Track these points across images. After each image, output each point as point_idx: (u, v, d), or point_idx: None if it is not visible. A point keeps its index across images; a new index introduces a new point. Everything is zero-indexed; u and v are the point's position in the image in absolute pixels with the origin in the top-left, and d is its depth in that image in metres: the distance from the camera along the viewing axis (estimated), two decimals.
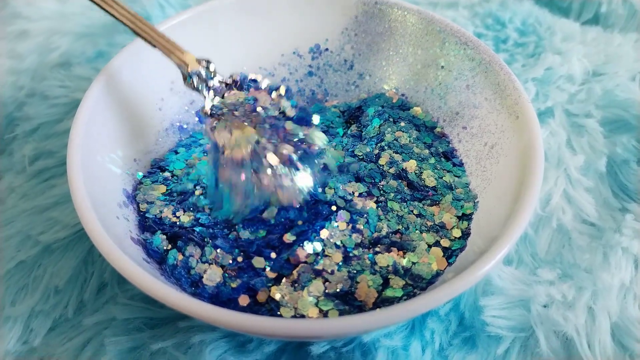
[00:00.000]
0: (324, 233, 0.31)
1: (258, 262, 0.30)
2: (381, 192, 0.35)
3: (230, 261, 0.30)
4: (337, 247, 0.31)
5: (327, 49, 0.43)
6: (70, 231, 0.36)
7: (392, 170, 0.36)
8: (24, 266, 0.35)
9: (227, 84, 0.34)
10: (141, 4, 0.53)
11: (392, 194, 0.35)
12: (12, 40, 0.51)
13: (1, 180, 0.40)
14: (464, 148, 0.38)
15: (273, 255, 0.30)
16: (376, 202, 0.34)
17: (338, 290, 0.29)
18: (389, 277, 0.30)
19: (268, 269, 0.30)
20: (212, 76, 0.33)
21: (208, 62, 0.33)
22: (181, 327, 0.33)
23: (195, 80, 0.33)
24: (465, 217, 0.34)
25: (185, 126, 0.40)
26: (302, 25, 0.42)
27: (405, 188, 0.35)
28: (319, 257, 0.30)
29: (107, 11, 0.33)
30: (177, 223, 0.32)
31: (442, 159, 0.37)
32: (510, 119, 0.34)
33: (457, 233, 0.33)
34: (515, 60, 0.49)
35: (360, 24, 0.42)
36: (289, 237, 0.31)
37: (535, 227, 0.38)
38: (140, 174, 0.35)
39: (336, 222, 0.31)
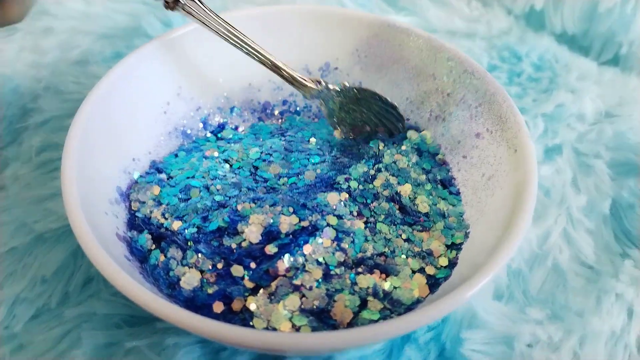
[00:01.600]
0: (307, 248, 0.31)
1: (237, 270, 0.30)
2: (372, 213, 0.35)
3: (210, 267, 0.30)
4: (319, 263, 0.31)
5: (336, 68, 0.43)
6: (64, 223, 0.37)
7: (386, 193, 0.36)
8: (16, 252, 0.36)
9: None
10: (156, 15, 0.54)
11: (383, 216, 0.34)
12: (38, 35, 0.53)
13: (7, 167, 0.41)
14: (462, 177, 0.37)
15: (253, 265, 0.30)
16: (365, 222, 0.34)
17: (314, 307, 0.29)
18: (368, 299, 0.30)
19: (247, 278, 0.30)
20: None
21: None
22: (158, 328, 0.33)
23: None
24: (455, 247, 0.33)
25: (189, 131, 0.41)
26: (314, 42, 0.43)
27: (397, 211, 0.35)
28: (299, 271, 0.30)
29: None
30: (164, 225, 0.32)
31: (439, 186, 0.37)
32: (509, 152, 0.34)
33: (443, 262, 0.32)
34: (527, 94, 0.48)
35: (370, 46, 0.42)
36: (270, 249, 0.31)
37: (530, 265, 0.38)
38: (137, 173, 0.36)
39: (321, 238, 0.31)
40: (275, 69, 0.38)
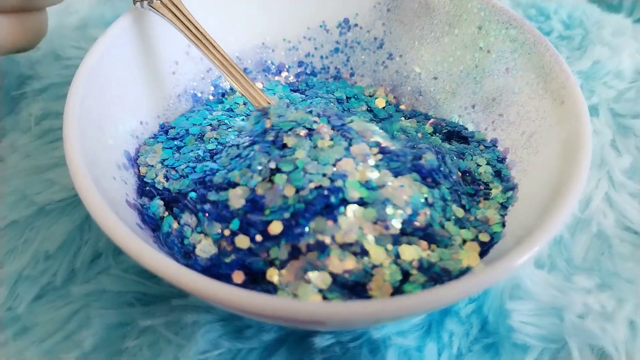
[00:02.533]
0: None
1: (241, 241, 0.27)
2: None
3: (219, 231, 0.27)
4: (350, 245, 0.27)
5: (356, 25, 0.40)
6: (69, 194, 0.34)
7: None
8: (16, 227, 0.33)
9: None
10: None
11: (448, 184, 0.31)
12: None
13: (5, 138, 0.38)
14: (499, 137, 0.34)
15: (259, 238, 0.27)
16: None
17: (348, 280, 0.26)
18: (411, 272, 0.27)
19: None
20: None
21: None
22: (175, 306, 0.30)
23: None
24: (503, 208, 0.30)
25: (199, 94, 0.38)
26: None
27: (461, 179, 0.32)
28: (324, 253, 0.27)
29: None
30: (169, 187, 0.30)
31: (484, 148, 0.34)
32: (554, 105, 0.30)
33: (497, 228, 0.29)
34: (559, 52, 0.45)
35: None
36: (274, 228, 0.27)
37: (572, 231, 0.35)
38: (146, 135, 0.33)
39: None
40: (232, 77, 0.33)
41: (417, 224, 0.28)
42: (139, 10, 0.33)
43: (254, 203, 0.27)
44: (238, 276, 0.26)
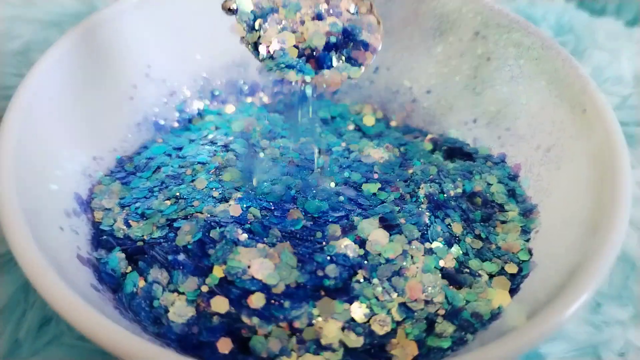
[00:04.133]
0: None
1: (218, 304, 0.22)
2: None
3: (195, 287, 0.22)
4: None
5: None
6: (8, 248, 0.28)
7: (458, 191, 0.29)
8: None
9: None
10: None
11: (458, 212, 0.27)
12: None
13: None
14: (509, 153, 0.31)
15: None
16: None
17: (362, 344, 0.21)
18: (436, 320, 0.22)
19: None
20: None
21: None
22: None
23: None
24: (524, 233, 0.26)
25: (162, 122, 0.33)
26: None
27: (469, 204, 0.28)
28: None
29: None
30: (133, 235, 0.24)
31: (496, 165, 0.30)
32: (574, 113, 0.27)
33: (524, 256, 0.25)
34: None
35: (378, 5, 0.35)
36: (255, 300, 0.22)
37: None
38: (101, 173, 0.28)
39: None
40: None
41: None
42: (87, 26, 0.28)
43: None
44: (224, 344, 0.21)
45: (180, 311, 0.21)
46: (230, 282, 0.22)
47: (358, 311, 0.22)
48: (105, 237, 0.25)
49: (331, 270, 0.23)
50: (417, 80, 0.35)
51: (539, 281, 0.23)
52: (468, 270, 0.24)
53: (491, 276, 0.24)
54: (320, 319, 0.21)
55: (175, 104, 0.34)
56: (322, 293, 0.22)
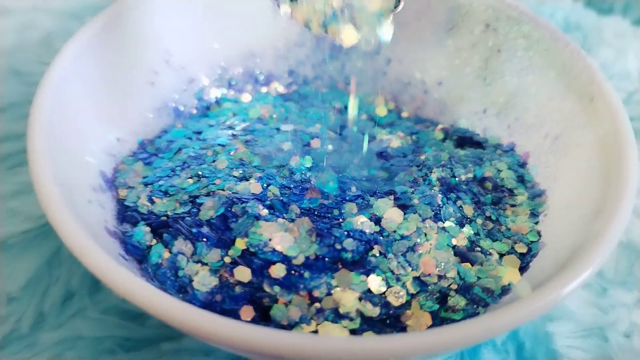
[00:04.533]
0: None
1: (240, 273, 0.23)
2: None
3: (219, 258, 0.23)
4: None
5: None
6: (34, 224, 0.29)
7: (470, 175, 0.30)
8: None
9: None
10: None
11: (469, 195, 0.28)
12: None
13: None
14: (517, 142, 0.31)
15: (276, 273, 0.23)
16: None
17: (374, 316, 0.22)
18: (449, 294, 0.23)
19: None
20: None
21: None
22: (165, 351, 0.26)
23: None
24: (533, 216, 0.27)
25: (182, 108, 0.34)
26: None
27: (481, 188, 0.29)
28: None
29: None
30: (157, 210, 0.25)
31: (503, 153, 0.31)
32: (582, 103, 0.28)
33: (533, 237, 0.26)
34: None
35: None
36: (277, 271, 0.23)
37: None
38: (124, 154, 0.29)
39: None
40: None
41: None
42: (111, 14, 0.30)
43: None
44: (247, 312, 0.22)
45: (204, 280, 0.22)
46: (252, 253, 0.23)
47: (374, 283, 0.23)
48: (129, 212, 0.26)
49: (349, 243, 0.24)
50: (428, 72, 0.36)
51: (547, 260, 0.24)
52: (479, 249, 0.25)
53: (501, 255, 0.25)
54: (338, 289, 0.22)
55: (193, 91, 0.35)
56: (340, 266, 0.23)
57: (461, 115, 0.34)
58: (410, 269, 0.23)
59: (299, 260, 0.23)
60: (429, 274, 0.24)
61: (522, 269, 0.25)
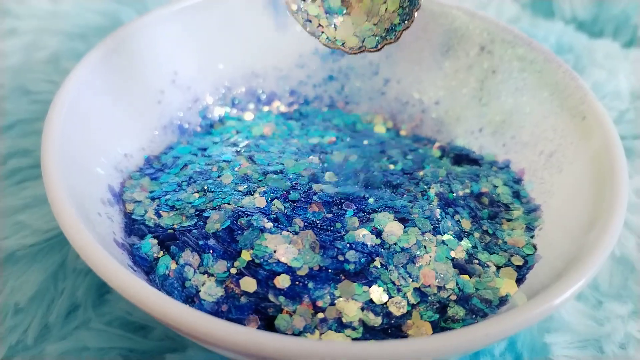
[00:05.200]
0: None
1: (246, 284, 0.24)
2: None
3: (225, 270, 0.24)
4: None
5: None
6: (41, 237, 0.30)
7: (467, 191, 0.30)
8: None
9: None
10: None
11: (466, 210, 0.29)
12: None
13: None
14: (513, 159, 0.32)
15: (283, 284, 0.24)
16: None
17: (377, 325, 0.23)
18: (448, 304, 0.24)
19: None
20: None
21: None
22: None
23: None
24: (528, 230, 0.28)
25: (186, 126, 0.35)
26: None
27: (477, 203, 0.30)
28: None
29: None
30: (163, 224, 0.26)
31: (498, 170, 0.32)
32: (574, 121, 0.29)
33: (529, 249, 0.27)
34: None
35: None
36: (281, 281, 0.24)
37: None
38: (130, 169, 0.30)
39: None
40: None
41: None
42: (119, 36, 0.31)
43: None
44: (252, 322, 0.22)
45: (210, 291, 0.23)
46: (258, 264, 0.24)
47: (376, 293, 0.23)
48: (137, 225, 0.26)
49: (351, 255, 0.24)
50: (426, 92, 0.37)
51: (542, 271, 0.25)
52: (477, 261, 0.26)
53: (498, 268, 0.26)
54: (341, 299, 0.23)
55: (198, 109, 0.36)
56: (343, 277, 0.24)
57: (458, 134, 0.35)
58: (411, 280, 0.24)
59: (303, 271, 0.24)
60: (429, 285, 0.24)
61: (519, 281, 0.25)
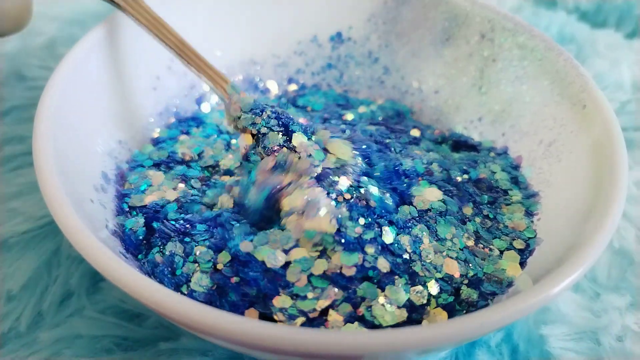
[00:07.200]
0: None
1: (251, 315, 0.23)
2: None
3: (209, 258, 0.24)
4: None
5: (350, 38, 0.38)
6: (34, 224, 0.30)
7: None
8: None
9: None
10: None
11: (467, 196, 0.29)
12: None
13: None
14: (513, 149, 0.32)
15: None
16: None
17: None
18: (461, 288, 0.24)
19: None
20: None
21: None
22: (163, 350, 0.26)
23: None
24: (528, 215, 0.28)
25: (183, 113, 0.34)
26: (323, 9, 0.37)
27: (476, 188, 0.29)
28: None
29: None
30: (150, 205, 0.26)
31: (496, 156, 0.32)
32: (574, 110, 0.28)
33: (530, 233, 0.27)
34: None
35: (389, 10, 0.37)
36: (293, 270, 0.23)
37: None
38: (125, 156, 0.29)
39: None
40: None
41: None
42: (115, 20, 0.30)
43: None
44: (251, 315, 0.22)
45: (201, 281, 0.23)
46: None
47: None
48: (125, 204, 0.26)
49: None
50: (425, 81, 0.37)
51: (543, 257, 0.25)
52: (482, 245, 0.26)
53: (501, 252, 0.26)
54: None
55: (194, 96, 0.35)
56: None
57: (457, 122, 0.35)
58: (436, 271, 0.24)
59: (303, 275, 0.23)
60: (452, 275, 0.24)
61: (521, 264, 0.25)
